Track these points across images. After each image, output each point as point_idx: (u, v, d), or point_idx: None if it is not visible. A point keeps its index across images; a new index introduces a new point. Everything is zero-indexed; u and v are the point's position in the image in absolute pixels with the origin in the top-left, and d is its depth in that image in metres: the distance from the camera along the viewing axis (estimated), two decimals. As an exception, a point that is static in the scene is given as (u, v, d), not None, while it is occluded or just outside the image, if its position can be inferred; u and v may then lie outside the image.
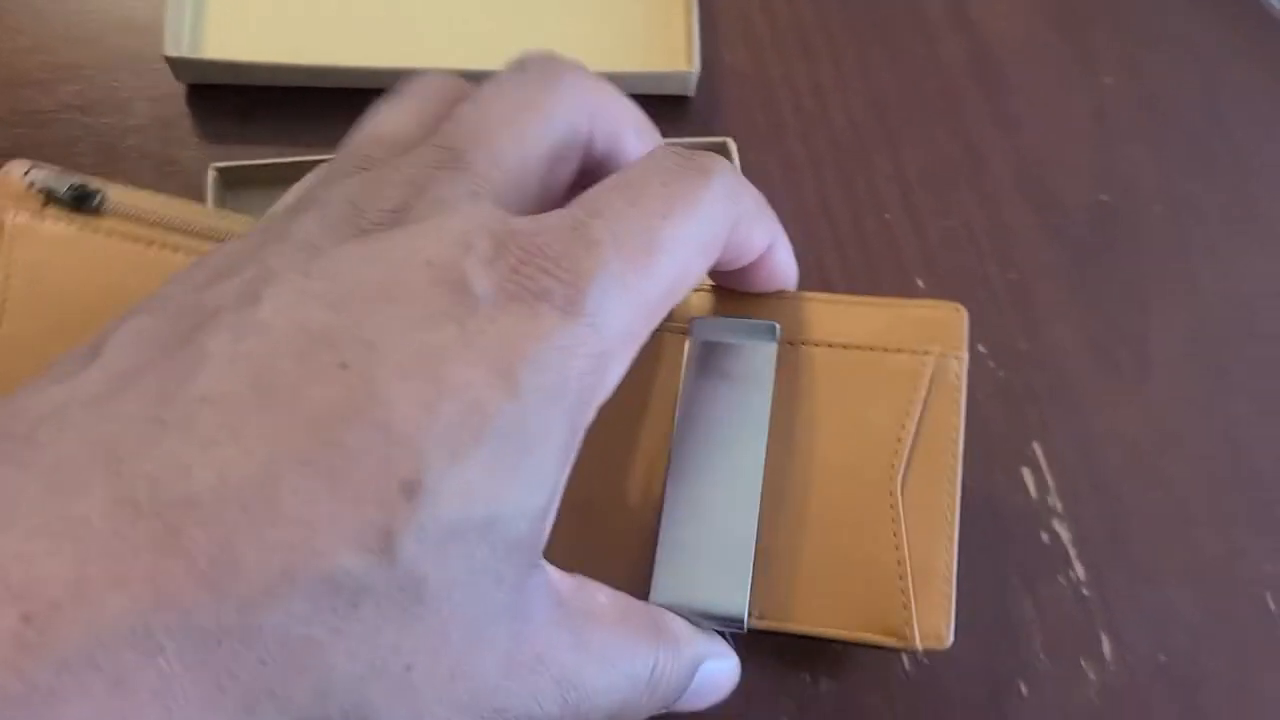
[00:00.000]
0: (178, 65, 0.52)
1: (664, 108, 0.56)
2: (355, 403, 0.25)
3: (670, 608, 0.43)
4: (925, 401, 0.44)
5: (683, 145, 0.49)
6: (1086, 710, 0.48)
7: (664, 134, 0.55)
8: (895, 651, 0.41)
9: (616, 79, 0.57)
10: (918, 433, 0.44)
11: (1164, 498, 0.52)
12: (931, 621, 0.42)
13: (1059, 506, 0.51)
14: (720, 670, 0.41)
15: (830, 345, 0.45)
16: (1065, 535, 0.51)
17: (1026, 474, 0.52)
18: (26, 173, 0.42)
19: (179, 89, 0.55)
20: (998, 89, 0.58)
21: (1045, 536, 0.51)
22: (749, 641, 0.47)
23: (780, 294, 0.46)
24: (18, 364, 0.41)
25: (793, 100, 0.57)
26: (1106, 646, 0.49)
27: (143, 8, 0.56)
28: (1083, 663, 0.49)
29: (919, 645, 0.41)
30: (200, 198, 0.52)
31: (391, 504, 0.24)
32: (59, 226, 0.42)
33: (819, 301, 0.46)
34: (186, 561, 0.22)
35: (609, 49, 0.56)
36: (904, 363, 0.45)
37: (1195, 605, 0.50)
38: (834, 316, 0.46)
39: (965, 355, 0.44)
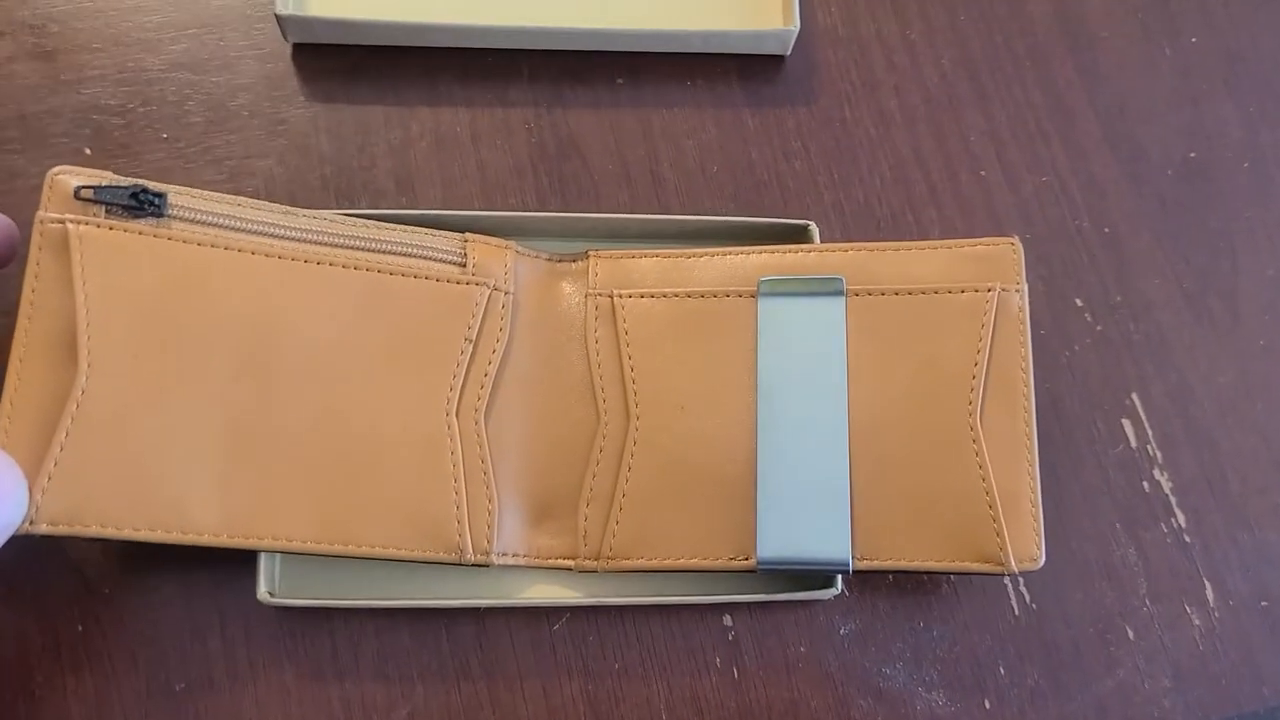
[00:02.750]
0: (287, 23, 0.50)
1: (760, 68, 0.54)
2: None
3: (776, 560, 0.42)
4: (992, 335, 0.43)
5: (764, 224, 0.48)
6: (1191, 653, 0.47)
7: (762, 95, 0.53)
8: (994, 576, 0.41)
9: (715, 38, 0.55)
10: (989, 366, 0.43)
11: (1259, 444, 0.50)
12: (1023, 544, 0.42)
13: (1159, 456, 0.50)
14: None
15: (896, 292, 0.44)
16: (1165, 484, 0.49)
17: (1126, 425, 0.50)
18: (78, 192, 0.40)
19: (285, 47, 0.53)
20: (1084, 45, 0.56)
21: (1146, 485, 0.49)
22: (857, 590, 0.46)
23: (842, 246, 0.45)
24: (110, 375, 0.40)
25: (885, 58, 0.55)
26: (1209, 592, 0.48)
27: (246, -33, 0.54)
28: (1186, 607, 0.48)
29: (1015, 568, 0.41)
30: (309, 156, 0.51)
31: None
32: (126, 236, 0.41)
33: (879, 250, 0.45)
34: None
35: (706, 7, 0.54)
36: (967, 300, 0.44)
37: (1298, 550, 0.49)
38: (895, 263, 0.45)
39: (1025, 287, 0.44)
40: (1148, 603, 0.48)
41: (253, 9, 0.53)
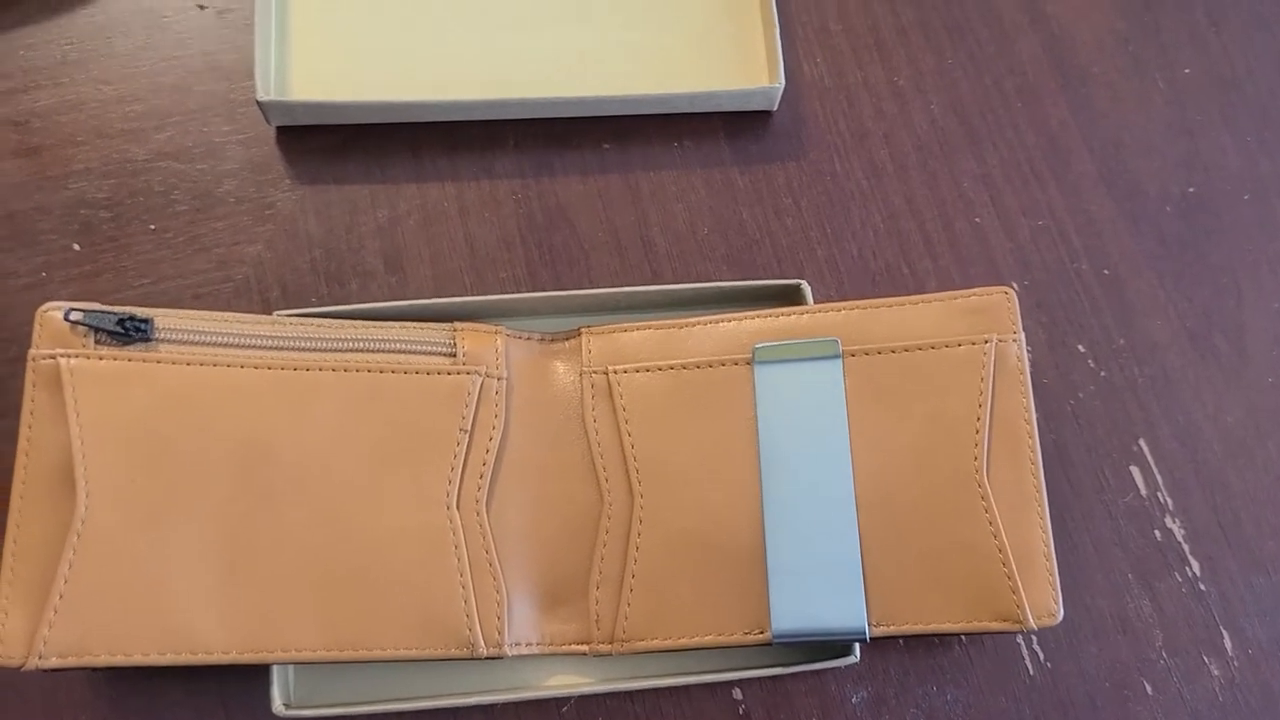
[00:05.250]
0: (269, 108, 0.49)
1: (747, 124, 0.53)
2: None
3: (792, 632, 0.41)
4: (993, 388, 0.42)
5: (756, 287, 0.47)
6: (1212, 704, 0.46)
7: (750, 153, 0.51)
8: (1015, 634, 0.40)
9: (701, 98, 0.54)
10: (992, 419, 0.42)
11: (1272, 484, 0.49)
12: (1040, 599, 0.41)
13: (1169, 502, 0.48)
14: None
15: (893, 350, 0.43)
16: (1177, 531, 0.48)
17: (1135, 472, 0.49)
18: (67, 315, 0.40)
19: (269, 130, 0.52)
20: (1075, 82, 0.55)
21: (1158, 534, 0.48)
22: (867, 655, 0.45)
23: (835, 305, 0.44)
24: (109, 502, 0.39)
25: (874, 106, 0.54)
26: (1228, 641, 0.47)
27: (225, 51, 0.53)
28: (1204, 658, 0.46)
29: (1033, 624, 0.40)
30: (298, 240, 0.50)
31: None
32: (116, 364, 0.40)
33: (873, 308, 0.44)
34: None
35: (691, 68, 0.53)
36: (965, 354, 0.43)
37: (1316, 596, 0.47)
38: (890, 320, 0.44)
39: (1021, 336, 0.43)
40: (1164, 655, 0.46)
41: (235, 94, 0.52)
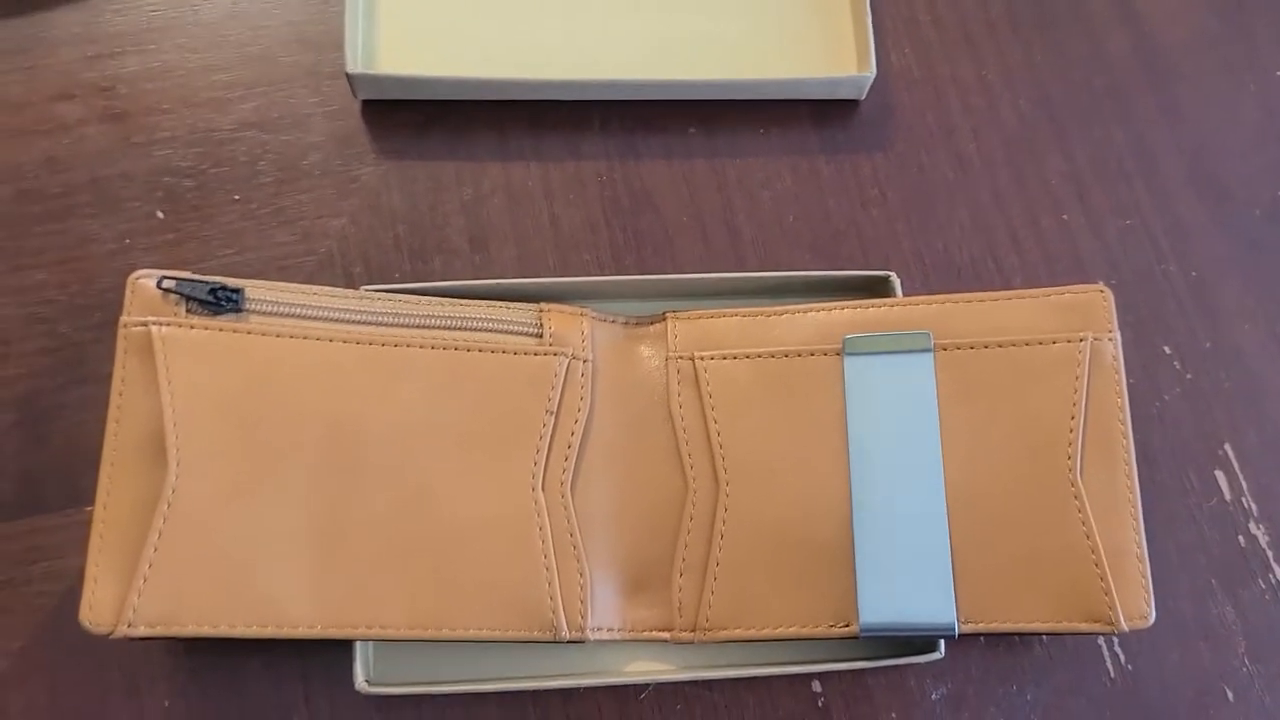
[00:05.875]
0: (357, 81, 0.49)
1: (834, 112, 0.53)
2: None
3: (880, 625, 0.41)
4: (1087, 387, 0.42)
5: (843, 278, 0.47)
6: (1295, 715, 0.45)
7: (837, 141, 0.51)
8: (1098, 635, 0.39)
9: (789, 85, 0.53)
10: (1086, 418, 0.42)
11: (1358, 496, 0.48)
12: (1132, 601, 0.40)
13: (1254, 508, 0.48)
14: None
15: (985, 345, 0.42)
16: (1262, 537, 0.47)
17: (1220, 476, 0.48)
18: (159, 283, 0.39)
19: (355, 104, 0.51)
20: (1164, 82, 0.54)
21: (1242, 539, 0.47)
22: (949, 652, 0.44)
23: (926, 299, 0.43)
24: (199, 473, 0.39)
25: (961, 100, 0.53)
26: (1312, 650, 0.46)
27: (312, 22, 0.52)
28: (1288, 667, 0.46)
29: (1125, 626, 0.39)
30: (382, 215, 0.49)
31: None
32: (207, 334, 0.40)
33: (965, 302, 0.44)
34: None
35: (778, 54, 0.52)
36: (1060, 352, 0.42)
37: (1405, 609, 0.47)
38: (982, 315, 0.43)
39: (1117, 335, 0.42)
40: (1247, 663, 0.46)
41: (322, 66, 0.52)
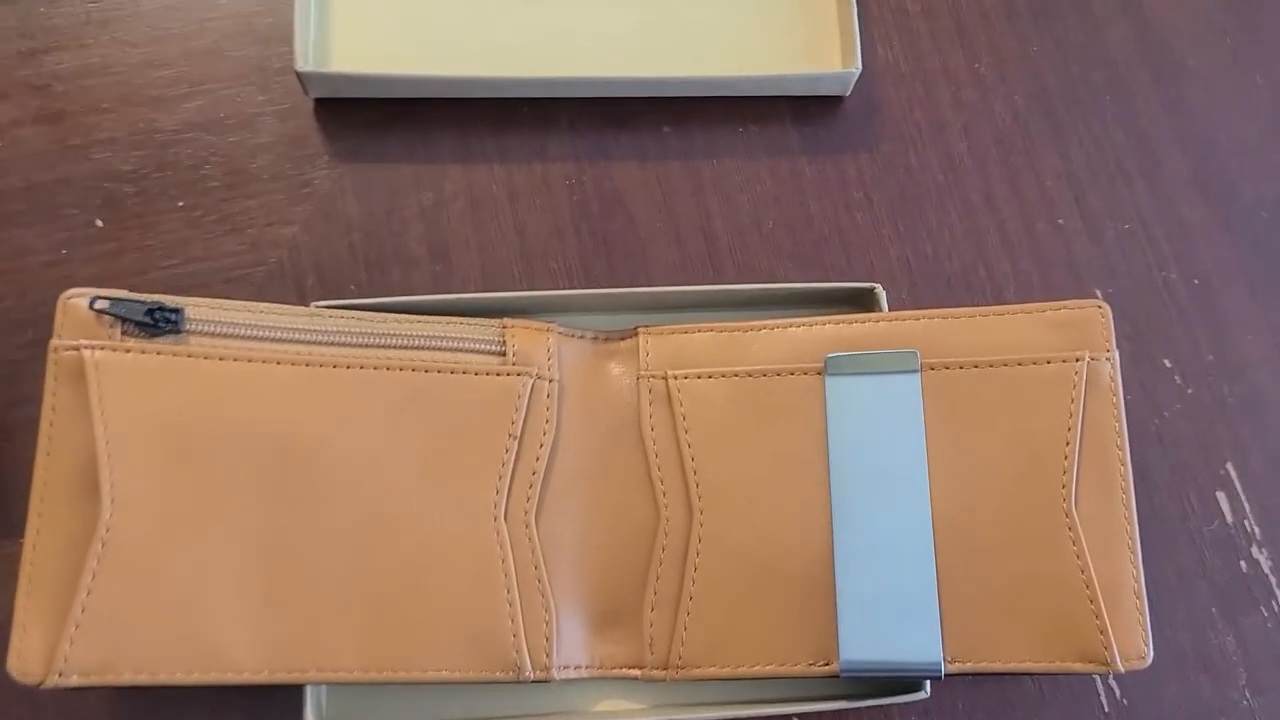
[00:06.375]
0: (309, 79, 0.46)
1: (817, 109, 0.50)
2: None
3: (862, 664, 0.39)
4: (1083, 410, 0.39)
5: (826, 289, 0.44)
6: (1297, 750, 0.43)
7: (819, 140, 0.48)
8: (1092, 676, 0.37)
9: (768, 82, 0.50)
10: (1081, 444, 0.39)
11: (1367, 518, 0.46)
12: (1129, 640, 0.38)
13: (1257, 531, 0.46)
14: None
15: (975, 365, 0.40)
16: (1265, 562, 0.45)
17: (1221, 498, 0.46)
18: (92, 303, 0.37)
19: (306, 102, 0.48)
20: (1168, 75, 0.52)
21: (1244, 564, 0.45)
22: (937, 690, 0.42)
23: (914, 314, 0.41)
24: (136, 509, 0.36)
25: (952, 94, 0.50)
26: (1316, 682, 0.44)
27: (261, 14, 0.49)
28: (1291, 699, 0.44)
29: (1120, 667, 0.37)
30: (336, 222, 0.46)
31: None
32: (144, 358, 0.37)
33: (954, 317, 0.41)
34: None
35: (757, 48, 0.49)
36: (1054, 372, 0.40)
37: None
38: (972, 331, 0.41)
39: (1115, 355, 0.39)
40: (1248, 695, 0.44)
41: (270, 61, 0.49)
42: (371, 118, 0.48)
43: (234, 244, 0.46)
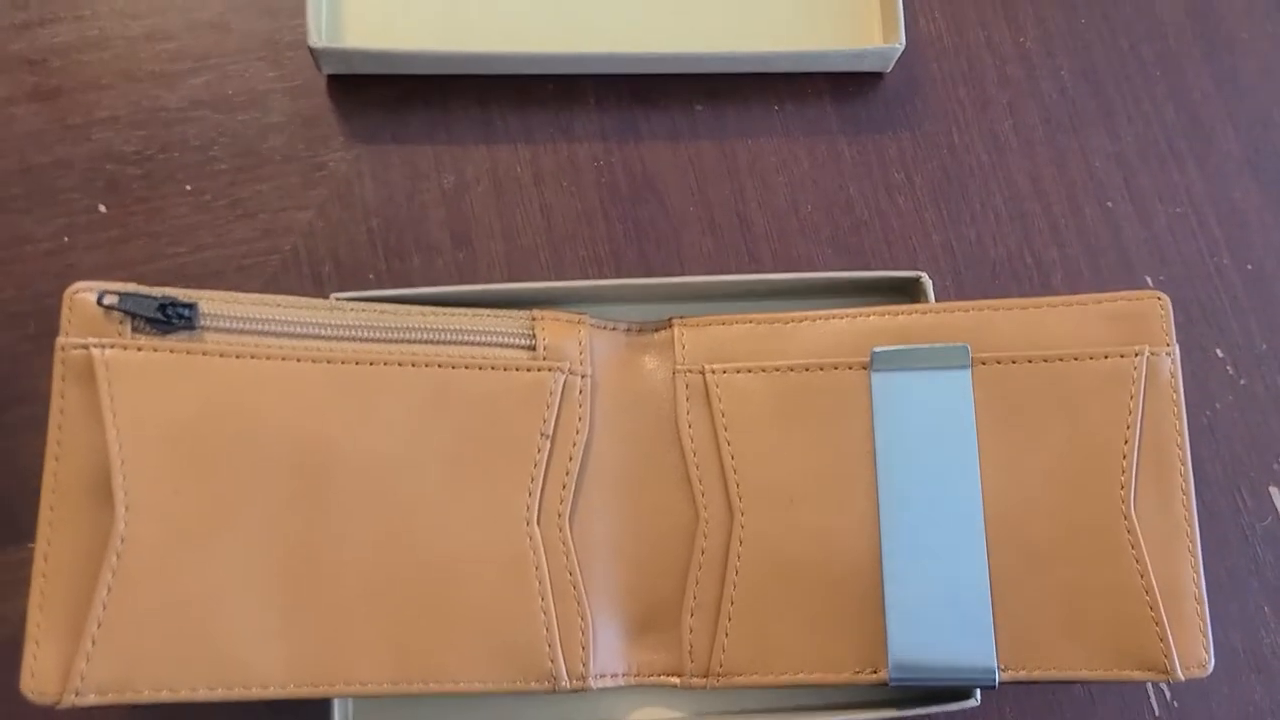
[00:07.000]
0: (321, 55, 0.43)
1: (856, 86, 0.48)
2: None
3: (912, 669, 0.37)
4: (1143, 408, 0.38)
5: (871, 279, 0.42)
6: (1352, 754, 0.42)
7: (859, 119, 0.46)
8: (1144, 684, 0.36)
9: (806, 58, 0.48)
10: (1140, 443, 0.38)
11: None
12: (1190, 648, 0.37)
13: (1312, 528, 0.44)
14: None
15: (1029, 360, 0.38)
16: (1321, 560, 0.44)
17: (1275, 493, 0.45)
18: (100, 298, 0.35)
19: (320, 79, 0.46)
20: (1221, 49, 0.50)
21: (1299, 562, 0.44)
22: (984, 693, 0.41)
23: (963, 305, 0.39)
24: (152, 516, 0.35)
25: (997, 70, 0.48)
26: (1373, 684, 0.43)
27: (270, -16, 0.47)
28: (1347, 702, 0.43)
29: (1180, 676, 0.36)
30: (353, 207, 0.44)
31: None
32: (157, 356, 0.35)
33: (1005, 309, 0.39)
34: None
35: (794, 21, 0.47)
36: (1112, 367, 0.38)
37: None
38: (1024, 324, 0.39)
39: (1176, 349, 0.38)
40: (1303, 697, 0.43)
41: (281, 34, 0.46)
42: (388, 95, 0.46)
43: (246, 230, 0.44)
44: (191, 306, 0.36)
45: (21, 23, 0.45)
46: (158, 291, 0.36)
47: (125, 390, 0.35)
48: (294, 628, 0.36)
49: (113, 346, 0.35)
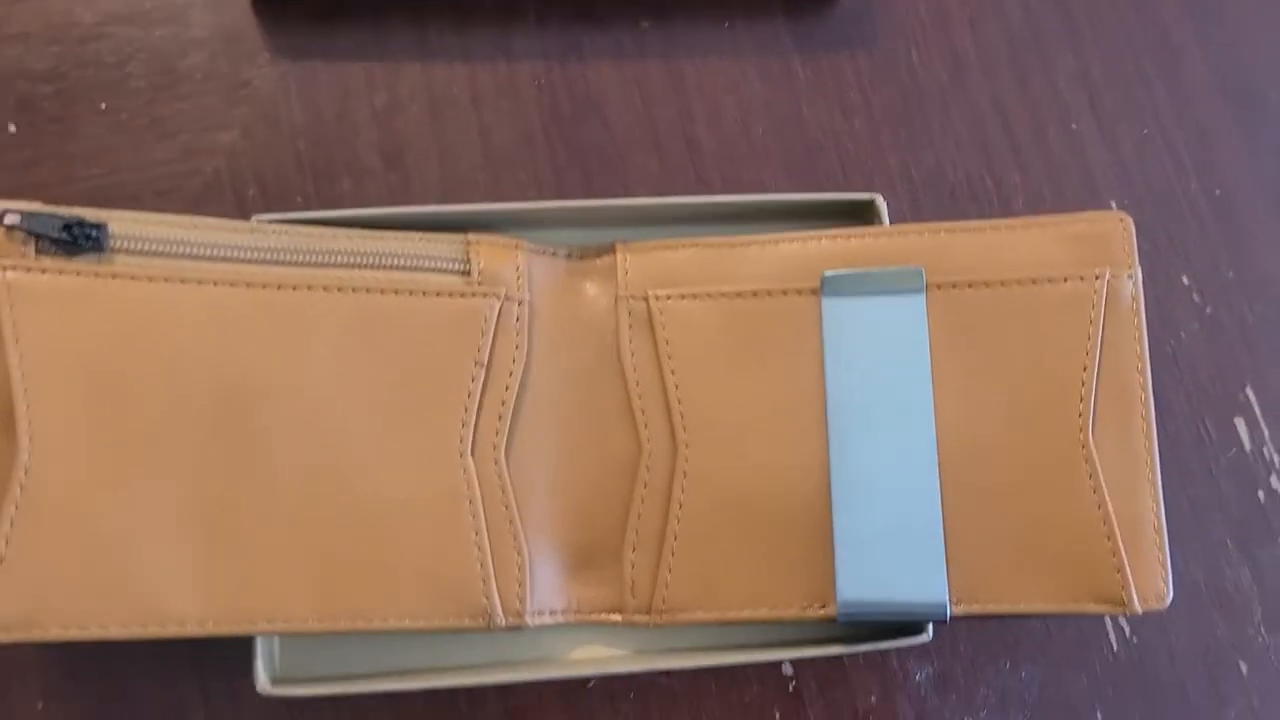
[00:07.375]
0: (243, -35, 0.41)
1: (810, 3, 0.46)
2: None
3: (861, 605, 0.36)
4: (1102, 333, 0.37)
5: (821, 201, 0.40)
6: (1313, 688, 0.41)
7: (813, 38, 0.44)
8: (1102, 617, 0.35)
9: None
10: (1100, 370, 0.37)
11: (1391, 445, 0.44)
12: (1148, 580, 0.36)
13: (1276, 460, 0.43)
14: None
15: (985, 284, 0.37)
16: (1285, 492, 0.43)
17: (1240, 424, 0.44)
18: (2, 217, 0.33)
19: (243, -8, 0.44)
20: (1192, -34, 0.48)
21: (1261, 494, 0.43)
22: (938, 630, 0.40)
23: (917, 227, 0.38)
24: (59, 449, 0.33)
25: (959, -15, 0.46)
26: (1335, 617, 0.42)
27: (189, -110, 0.44)
28: (1308, 636, 0.42)
29: (1139, 608, 0.35)
30: (279, 127, 0.42)
31: None
32: (63, 279, 0.33)
33: (961, 232, 0.38)
34: None
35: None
36: (1071, 291, 0.37)
37: None
38: (981, 246, 0.38)
39: (1138, 272, 0.37)
40: (1263, 632, 0.42)
41: (201, -56, 0.44)
42: (317, 10, 0.44)
43: (165, 151, 0.42)
44: (100, 227, 0.34)
45: (-78, -70, 0.43)
46: (64, 210, 0.34)
47: (28, 315, 0.34)
48: (214, 564, 0.34)
49: (15, 269, 0.33)
